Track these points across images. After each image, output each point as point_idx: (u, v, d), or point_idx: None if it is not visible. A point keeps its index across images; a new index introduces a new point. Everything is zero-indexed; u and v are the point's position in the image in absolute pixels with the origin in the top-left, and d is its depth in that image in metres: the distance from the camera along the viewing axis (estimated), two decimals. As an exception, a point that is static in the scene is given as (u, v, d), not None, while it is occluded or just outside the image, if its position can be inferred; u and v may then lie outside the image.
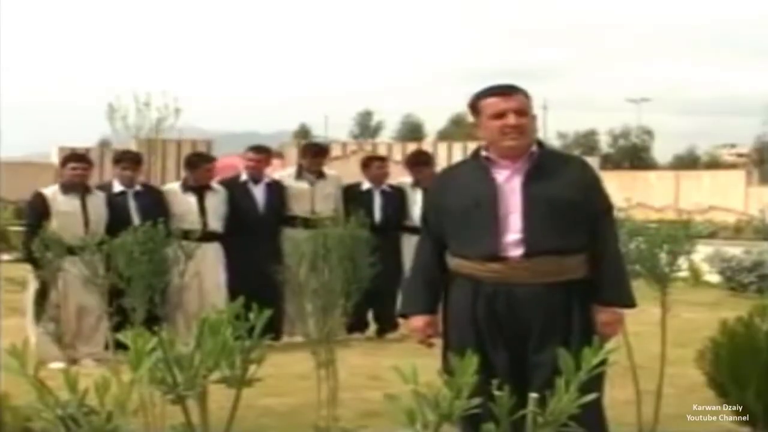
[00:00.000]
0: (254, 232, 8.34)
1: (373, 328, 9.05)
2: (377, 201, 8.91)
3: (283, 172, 9.34)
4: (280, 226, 8.65)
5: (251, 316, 2.24)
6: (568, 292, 3.69)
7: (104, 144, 38.98)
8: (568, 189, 3.73)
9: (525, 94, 3.82)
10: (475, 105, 3.85)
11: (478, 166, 3.83)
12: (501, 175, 3.76)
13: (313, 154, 9.13)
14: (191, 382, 2.14)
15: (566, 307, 3.68)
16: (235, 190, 8.56)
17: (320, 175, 8.93)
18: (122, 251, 4.81)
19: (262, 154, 8.85)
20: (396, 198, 9.01)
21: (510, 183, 3.74)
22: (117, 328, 4.59)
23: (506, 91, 3.79)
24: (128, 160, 8.29)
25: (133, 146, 21.38)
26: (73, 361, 6.84)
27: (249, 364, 2.21)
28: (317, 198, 8.73)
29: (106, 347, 7.43)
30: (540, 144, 3.86)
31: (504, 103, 3.75)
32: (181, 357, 2.14)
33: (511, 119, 3.71)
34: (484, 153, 3.82)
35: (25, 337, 7.21)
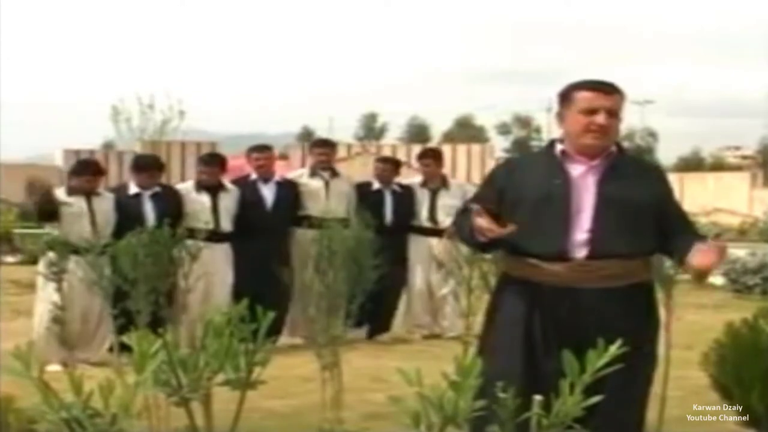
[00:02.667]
0: (263, 231, 8.32)
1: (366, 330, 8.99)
2: (388, 201, 8.93)
3: (297, 171, 9.32)
4: (291, 226, 8.65)
5: (255, 317, 2.24)
6: (629, 296, 3.59)
7: (108, 146, 39.04)
8: (644, 194, 3.61)
9: (622, 95, 3.66)
10: (567, 94, 3.66)
11: (551, 158, 3.67)
12: (576, 170, 3.60)
13: (320, 146, 9.14)
14: (195, 384, 2.14)
15: (626, 312, 3.56)
16: (245, 189, 8.54)
17: (334, 173, 8.92)
18: (127, 253, 4.81)
19: (267, 152, 8.83)
20: (406, 198, 9.04)
21: (584, 180, 3.59)
22: (121, 330, 4.60)
23: (605, 87, 3.62)
24: (152, 169, 8.16)
25: (137, 148, 21.40)
26: (68, 365, 6.83)
27: (253, 366, 2.21)
28: (332, 196, 8.71)
29: (111, 350, 7.44)
30: (619, 146, 3.73)
31: (599, 100, 3.57)
32: (185, 359, 2.14)
33: (601, 118, 3.55)
34: (560, 146, 3.66)
35: (30, 339, 7.22)
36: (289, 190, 8.70)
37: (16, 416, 4.11)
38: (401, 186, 9.16)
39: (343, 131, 79.75)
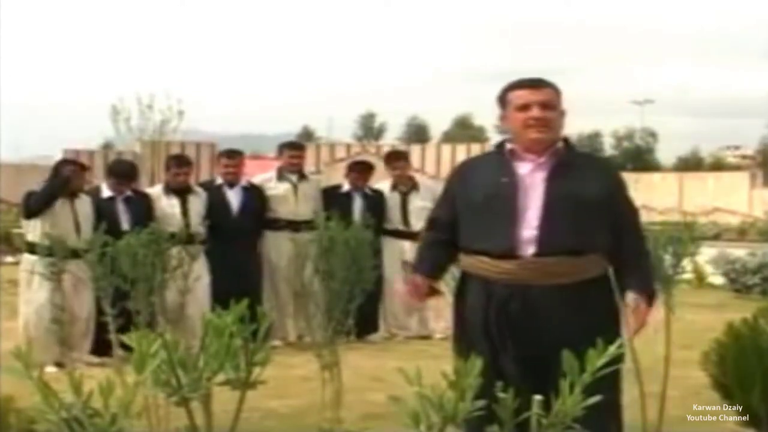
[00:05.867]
0: (229, 235, 8.32)
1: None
2: (357, 203, 8.89)
3: (265, 175, 9.19)
4: (260, 230, 8.67)
5: (255, 317, 2.24)
6: (582, 292, 3.64)
7: (108, 146, 39.02)
8: (592, 188, 3.66)
9: (554, 89, 3.76)
10: (503, 97, 3.80)
11: (500, 158, 3.77)
12: (523, 168, 3.70)
13: (291, 149, 9.11)
14: (195, 384, 2.14)
15: (580, 308, 3.62)
16: (210, 194, 8.52)
17: (302, 176, 8.93)
18: (127, 253, 4.81)
19: (237, 158, 8.79)
20: (376, 201, 9.01)
21: (532, 177, 3.68)
22: (119, 330, 4.60)
23: (534, 83, 3.74)
24: (126, 175, 8.16)
25: (136, 148, 21.40)
26: (61, 365, 6.83)
27: (253, 366, 2.21)
28: (300, 198, 8.72)
29: (94, 351, 7.44)
30: (567, 142, 3.80)
31: (530, 96, 3.70)
32: (185, 359, 2.14)
33: (535, 111, 3.67)
34: (508, 145, 3.76)
35: (29, 339, 7.22)
36: (255, 195, 8.69)
37: (16, 416, 4.10)
38: (372, 189, 9.13)
39: (343, 131, 79.76)
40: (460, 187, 3.85)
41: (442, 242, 3.93)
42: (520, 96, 3.72)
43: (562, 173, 3.67)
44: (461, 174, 3.99)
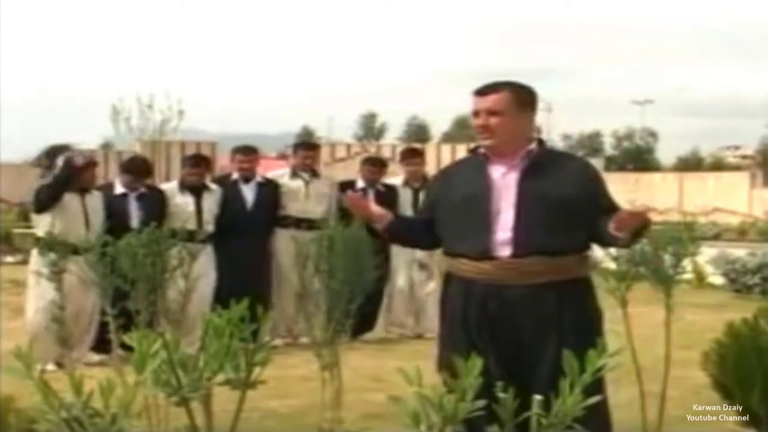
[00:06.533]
0: (244, 231, 8.37)
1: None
2: (371, 200, 8.91)
3: (279, 171, 9.32)
4: (272, 226, 8.70)
5: (255, 317, 2.24)
6: (561, 292, 3.64)
7: (107, 146, 39.05)
8: (567, 187, 3.67)
9: (508, 92, 3.74)
10: None
11: (476, 162, 3.84)
12: (497, 171, 3.75)
13: (305, 149, 9.23)
14: (195, 384, 2.14)
15: (559, 308, 3.63)
16: (226, 189, 8.58)
17: (314, 174, 8.99)
18: (127, 253, 4.81)
19: (252, 154, 8.87)
20: (390, 197, 9.04)
21: (505, 180, 3.72)
22: (120, 330, 4.60)
23: (483, 90, 3.78)
24: (140, 172, 8.17)
25: (136, 148, 21.39)
26: (61, 365, 6.82)
27: (253, 366, 2.21)
28: (311, 196, 8.78)
29: (93, 348, 7.44)
30: (541, 143, 3.83)
31: (476, 103, 3.76)
32: (185, 359, 2.14)
33: (478, 119, 3.75)
34: (482, 149, 3.82)
35: (30, 339, 7.22)
36: (270, 191, 8.74)
37: (16, 416, 4.10)
38: (385, 186, 9.21)
39: (343, 131, 79.78)
40: (441, 192, 3.94)
41: (416, 223, 4.15)
42: (472, 103, 3.80)
43: (534, 174, 3.70)
44: (441, 179, 4.10)
